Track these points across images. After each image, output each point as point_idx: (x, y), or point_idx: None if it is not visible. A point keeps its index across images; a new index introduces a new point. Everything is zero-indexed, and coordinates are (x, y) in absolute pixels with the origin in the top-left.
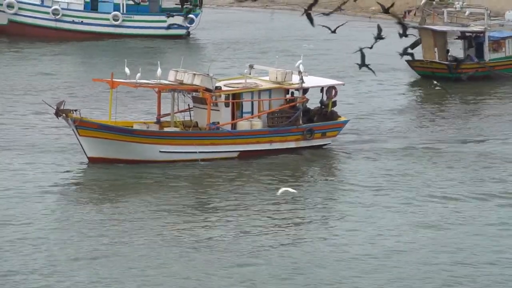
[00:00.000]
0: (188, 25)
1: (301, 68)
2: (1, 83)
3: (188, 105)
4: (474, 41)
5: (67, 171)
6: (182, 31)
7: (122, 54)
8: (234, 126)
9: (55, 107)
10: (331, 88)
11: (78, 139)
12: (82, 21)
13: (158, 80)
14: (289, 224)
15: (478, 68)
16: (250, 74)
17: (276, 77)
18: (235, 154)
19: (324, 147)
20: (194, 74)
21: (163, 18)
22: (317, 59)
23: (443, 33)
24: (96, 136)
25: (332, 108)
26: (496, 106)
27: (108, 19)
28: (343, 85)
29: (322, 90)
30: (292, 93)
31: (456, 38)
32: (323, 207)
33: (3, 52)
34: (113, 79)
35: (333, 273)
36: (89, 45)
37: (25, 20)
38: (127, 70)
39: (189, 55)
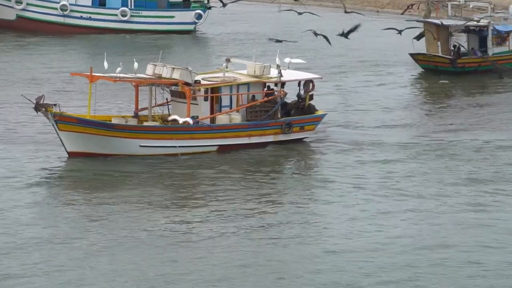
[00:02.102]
0: (196, 21)
1: (278, 61)
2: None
3: (167, 99)
4: (477, 34)
5: (46, 166)
6: (190, 27)
7: (129, 50)
8: (213, 120)
9: (35, 101)
10: (308, 81)
11: (57, 133)
12: (90, 17)
13: (137, 74)
14: (266, 217)
15: (481, 62)
16: (227, 68)
17: (254, 71)
18: (214, 148)
19: (303, 140)
20: (173, 68)
21: (171, 13)
22: (320, 53)
23: (446, 27)
24: (76, 131)
25: (310, 102)
26: (496, 100)
27: (116, 15)
28: (321, 78)
29: (299, 84)
30: (269, 86)
31: (460, 32)
32: (301, 200)
33: (10, 46)
34: (92, 74)
35: (309, 268)
36: (97, 40)
37: (33, 15)
38: (105, 64)
39: (195, 50)
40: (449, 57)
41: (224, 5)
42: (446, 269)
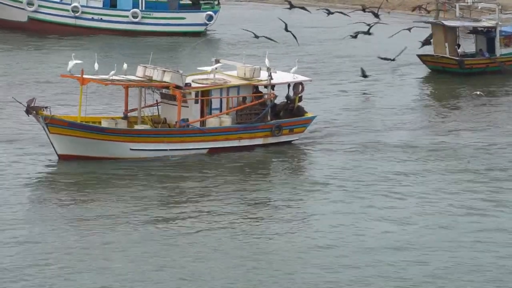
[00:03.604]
0: (207, 22)
1: (268, 63)
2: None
3: (156, 100)
4: (485, 36)
5: (36, 168)
6: (201, 28)
7: (140, 51)
8: (203, 123)
9: (26, 104)
10: (298, 84)
11: (48, 136)
12: (101, 18)
13: (127, 76)
14: (255, 219)
15: (489, 64)
16: (216, 69)
17: (245, 73)
18: (205, 151)
19: (292, 143)
20: (164, 71)
21: (182, 15)
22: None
23: (454, 28)
24: (66, 134)
25: (299, 104)
26: (504, 101)
27: (127, 16)
28: (311, 81)
29: (289, 86)
30: (257, 87)
31: (468, 33)
32: (290, 202)
33: (20, 48)
34: (83, 76)
35: (298, 268)
36: (108, 42)
37: (44, 17)
38: (96, 65)
39: (205, 52)
40: (456, 58)
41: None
42: (446, 270)
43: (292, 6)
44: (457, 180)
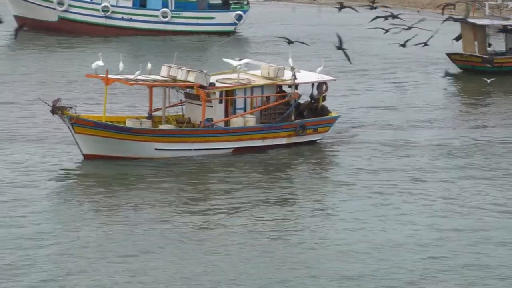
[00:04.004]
0: (237, 22)
1: (291, 63)
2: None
3: (181, 100)
4: None
5: (62, 167)
6: (230, 28)
7: (168, 51)
8: (227, 122)
9: (51, 105)
10: (322, 83)
11: (73, 136)
12: (131, 18)
13: (151, 76)
14: (280, 220)
15: None
16: (239, 68)
17: (269, 73)
18: (229, 151)
19: (316, 142)
20: (188, 71)
21: (211, 14)
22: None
23: (483, 27)
24: (91, 134)
25: (322, 103)
26: None
27: (157, 16)
28: (335, 80)
29: (313, 86)
30: (281, 87)
31: (498, 32)
32: (314, 202)
33: (51, 48)
34: (108, 76)
35: (323, 269)
36: (137, 41)
37: (75, 17)
38: (121, 65)
39: (234, 51)
40: (486, 56)
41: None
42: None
43: (342, 7)
44: (487, 179)
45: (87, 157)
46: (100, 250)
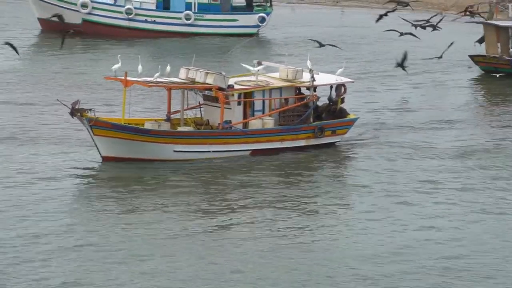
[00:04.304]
0: (260, 24)
1: (310, 65)
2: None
3: (199, 102)
4: None
5: (80, 169)
6: (253, 30)
7: (192, 53)
8: (246, 124)
9: (70, 107)
10: (340, 85)
11: (92, 138)
12: (154, 20)
13: (171, 79)
14: (298, 222)
15: None
16: (258, 71)
17: (287, 75)
18: (247, 153)
19: (334, 144)
20: (207, 73)
21: (234, 17)
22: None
23: (507, 28)
24: (110, 136)
25: (341, 105)
26: None
27: (180, 18)
28: (353, 82)
29: (331, 88)
30: (299, 89)
31: None
32: (332, 205)
33: (74, 50)
34: (127, 78)
35: (342, 272)
36: (160, 44)
37: (98, 19)
38: (139, 68)
39: (257, 53)
40: (509, 58)
41: None
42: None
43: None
44: (510, 182)
45: (105, 159)
46: (119, 251)
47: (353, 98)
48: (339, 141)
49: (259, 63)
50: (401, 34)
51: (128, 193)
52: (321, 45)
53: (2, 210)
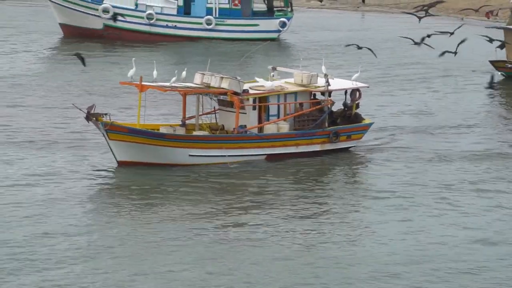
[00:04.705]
0: (281, 29)
1: (324, 70)
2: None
3: (214, 107)
4: None
5: (96, 175)
6: (274, 35)
7: (212, 58)
8: (261, 129)
9: (86, 111)
10: (355, 90)
11: (108, 143)
12: (175, 25)
13: (185, 83)
14: (314, 228)
15: None
16: (273, 76)
17: (302, 80)
18: (263, 157)
19: (349, 149)
20: (222, 77)
21: (255, 21)
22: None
23: None
24: (126, 140)
25: (356, 110)
26: None
27: (201, 23)
28: (368, 87)
29: (346, 93)
30: (314, 95)
31: None
32: (347, 210)
33: (95, 55)
34: (142, 83)
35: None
36: (181, 49)
37: (120, 24)
38: (155, 73)
39: (278, 58)
40: None
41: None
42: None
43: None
44: None
45: (121, 164)
46: (133, 254)
47: (369, 102)
48: (354, 146)
49: (274, 69)
50: (415, 43)
51: (143, 197)
52: (359, 47)
53: (17, 212)
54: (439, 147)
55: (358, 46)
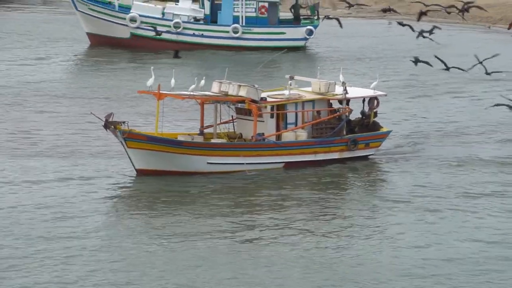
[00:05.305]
0: (307, 37)
1: (342, 78)
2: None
3: (232, 116)
4: None
5: (114, 183)
6: (301, 43)
7: (238, 66)
8: (279, 137)
9: (104, 119)
10: (373, 98)
11: (126, 151)
12: (202, 34)
13: (204, 93)
14: (332, 236)
15: None
16: (290, 85)
17: (320, 88)
18: (281, 165)
19: (367, 157)
20: (240, 86)
21: (282, 30)
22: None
23: None
24: (144, 148)
25: (374, 119)
26: None
27: (227, 32)
28: (386, 95)
29: (364, 101)
30: (331, 103)
31: None
32: (366, 219)
33: (122, 64)
34: (160, 91)
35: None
36: (208, 57)
37: (146, 33)
38: (172, 82)
39: (305, 67)
40: None
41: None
42: None
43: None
44: None
45: (139, 172)
46: (152, 262)
47: (387, 110)
48: (373, 154)
49: (292, 78)
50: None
51: (161, 204)
52: (447, 68)
53: (37, 220)
54: (458, 155)
55: (446, 65)
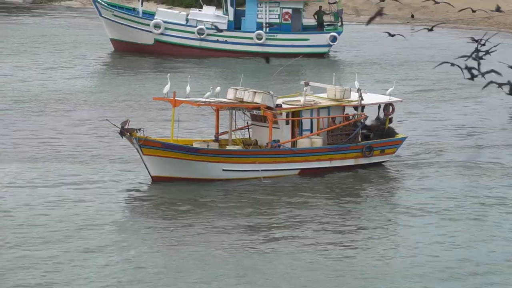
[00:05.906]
0: (331, 43)
1: (357, 84)
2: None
3: (247, 122)
4: None
5: (130, 190)
6: (325, 49)
7: (263, 72)
8: (294, 144)
9: (120, 126)
10: (388, 105)
11: (142, 158)
12: (226, 40)
13: (219, 99)
14: (347, 243)
15: None
16: (306, 91)
17: (335, 95)
18: (296, 172)
19: (383, 164)
20: (255, 92)
21: (305, 36)
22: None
23: None
24: (160, 155)
25: (389, 125)
26: None
27: (251, 38)
28: (401, 101)
29: (379, 107)
30: (346, 110)
31: None
32: (382, 226)
33: (146, 70)
34: (175, 98)
35: None
36: (231, 64)
37: (170, 39)
38: (188, 88)
39: (326, 72)
40: None
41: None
42: None
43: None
44: None
45: (155, 179)
46: (167, 270)
47: (403, 117)
48: (388, 160)
49: (307, 84)
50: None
51: (177, 211)
52: (499, 85)
53: (52, 226)
54: (475, 161)
55: (482, 75)
